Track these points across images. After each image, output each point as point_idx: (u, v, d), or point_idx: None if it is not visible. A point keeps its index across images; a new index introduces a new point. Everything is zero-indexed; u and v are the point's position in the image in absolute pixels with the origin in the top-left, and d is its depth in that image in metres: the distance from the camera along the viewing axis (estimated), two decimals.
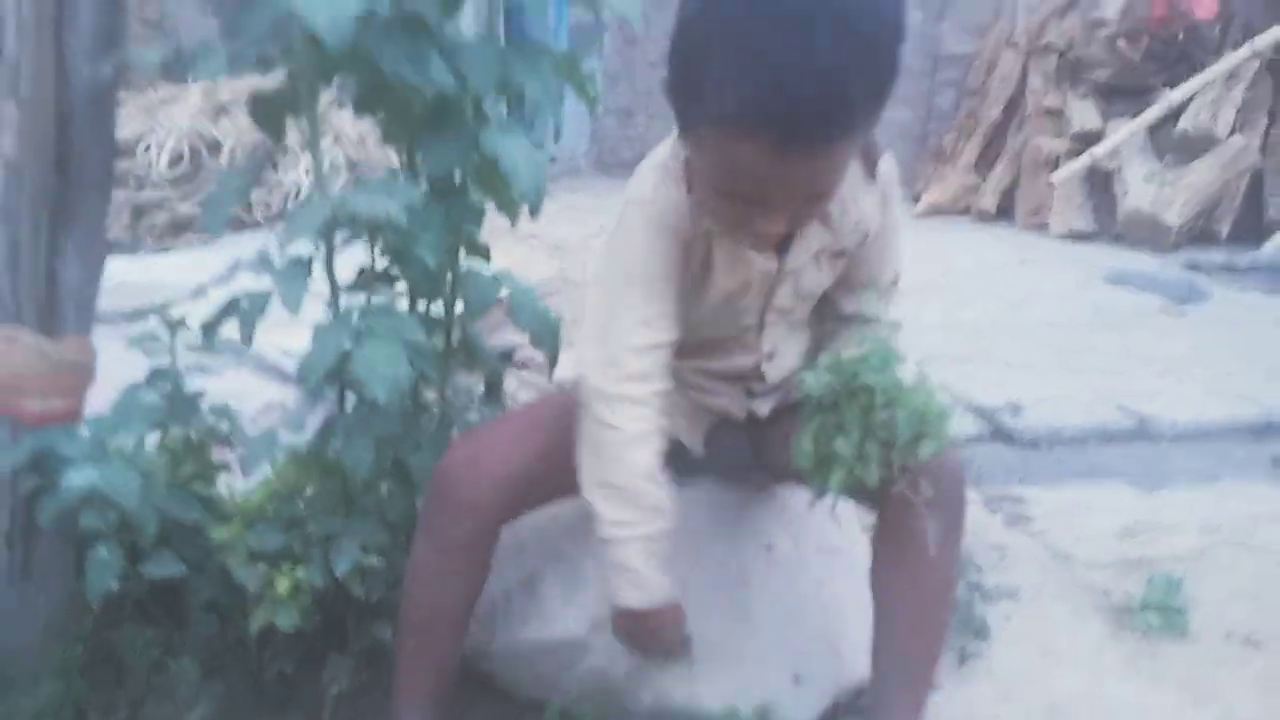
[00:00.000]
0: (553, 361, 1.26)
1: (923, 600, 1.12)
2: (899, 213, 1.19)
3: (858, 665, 1.29)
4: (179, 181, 3.37)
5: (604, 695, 1.21)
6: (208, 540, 1.16)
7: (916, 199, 5.95)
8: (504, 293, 1.22)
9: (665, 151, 1.09)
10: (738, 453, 1.30)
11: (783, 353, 1.22)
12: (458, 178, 1.18)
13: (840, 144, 0.90)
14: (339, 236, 1.12)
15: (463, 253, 1.25)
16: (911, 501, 1.00)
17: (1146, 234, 4.67)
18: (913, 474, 0.99)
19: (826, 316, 1.24)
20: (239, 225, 3.35)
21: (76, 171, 0.99)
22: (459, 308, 1.24)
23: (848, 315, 1.22)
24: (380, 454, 1.13)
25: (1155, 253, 4.59)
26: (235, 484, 1.30)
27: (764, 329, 1.17)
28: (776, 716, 1.22)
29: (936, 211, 5.66)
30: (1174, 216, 4.58)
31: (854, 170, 1.07)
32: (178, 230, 3.28)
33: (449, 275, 1.22)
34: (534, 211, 1.16)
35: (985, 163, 5.81)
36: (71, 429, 1.04)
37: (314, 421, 1.24)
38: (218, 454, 1.33)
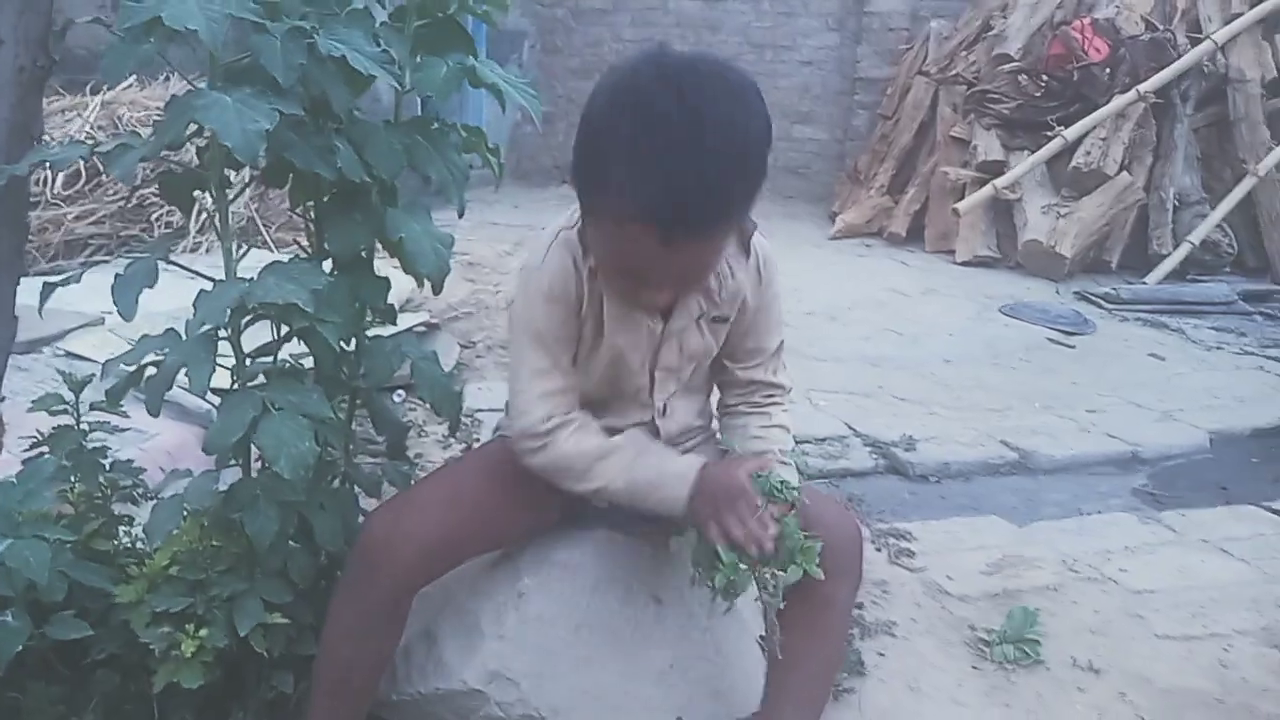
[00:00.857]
0: (454, 428, 1.33)
1: (823, 652, 1.27)
2: (778, 287, 1.34)
3: (737, 707, 1.40)
4: (75, 199, 3.29)
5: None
6: (111, 597, 1.20)
7: (832, 218, 6.16)
8: (406, 363, 1.29)
9: (562, 221, 1.23)
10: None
11: (675, 410, 1.34)
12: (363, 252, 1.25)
13: (718, 235, 1.08)
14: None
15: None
16: (813, 589, 1.15)
17: (1043, 263, 4.93)
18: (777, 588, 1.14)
19: (724, 385, 1.37)
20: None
21: None
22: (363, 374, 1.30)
23: (741, 380, 1.36)
24: (284, 518, 1.19)
25: (1051, 281, 4.86)
26: (136, 533, 1.34)
27: (654, 386, 1.30)
28: None
29: (851, 233, 5.86)
30: (1068, 248, 4.85)
31: (730, 245, 1.23)
32: (73, 251, 3.21)
33: (353, 343, 1.29)
34: (436, 289, 1.23)
35: (898, 186, 6.04)
36: None
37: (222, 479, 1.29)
38: (120, 507, 1.37)
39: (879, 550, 2.09)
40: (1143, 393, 3.30)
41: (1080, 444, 2.80)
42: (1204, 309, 4.44)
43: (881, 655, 1.70)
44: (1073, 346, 3.81)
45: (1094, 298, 4.53)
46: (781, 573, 1.10)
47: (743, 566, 1.09)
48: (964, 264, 5.15)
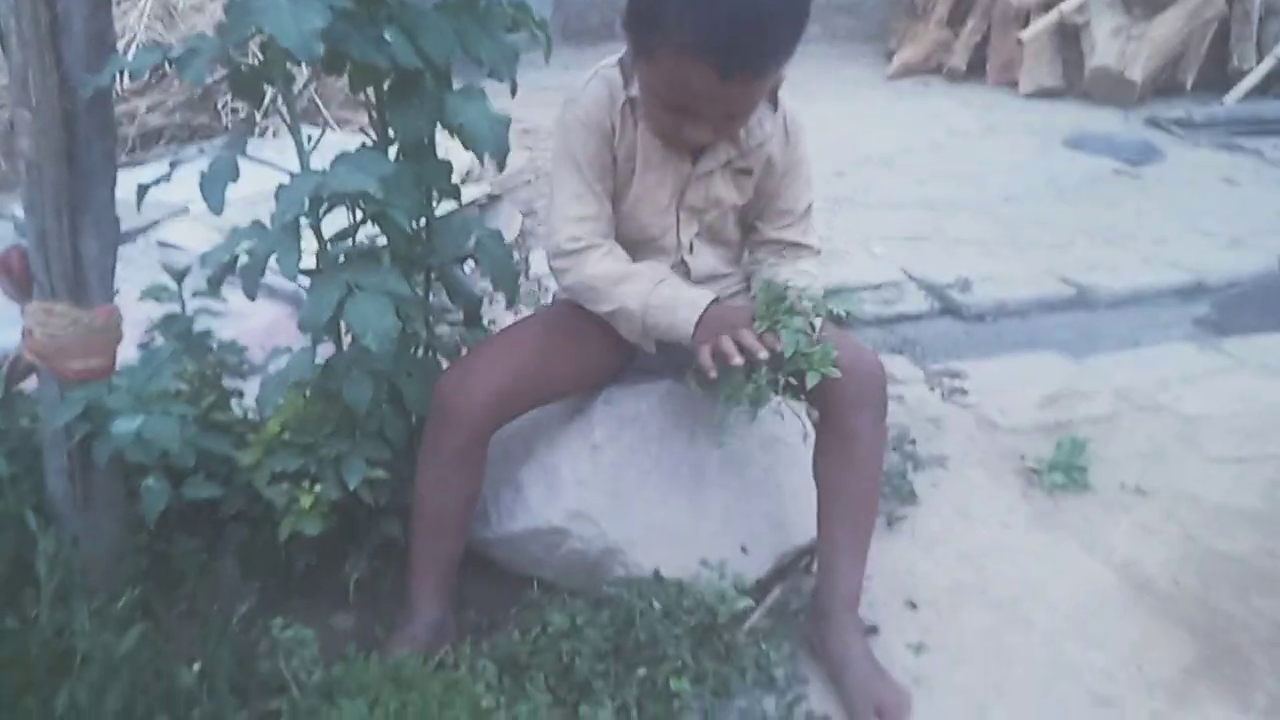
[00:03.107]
0: (510, 301, 1.43)
1: (859, 480, 1.35)
2: (806, 149, 1.38)
3: (796, 535, 1.53)
4: (143, 91, 3.38)
5: (583, 570, 1.45)
6: (234, 462, 1.36)
7: (889, 57, 5.92)
8: (473, 238, 1.37)
9: (605, 62, 1.33)
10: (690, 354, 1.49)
11: (702, 252, 1.43)
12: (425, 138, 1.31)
13: (769, 71, 1.16)
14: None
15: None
16: (842, 403, 1.25)
17: (1112, 90, 4.72)
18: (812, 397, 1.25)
19: (754, 246, 1.43)
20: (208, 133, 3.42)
21: (85, 163, 1.12)
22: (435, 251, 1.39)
23: (771, 240, 1.43)
24: (377, 386, 1.31)
25: (1120, 108, 4.66)
26: (247, 404, 1.50)
27: (680, 225, 1.38)
28: (728, 578, 1.46)
29: (909, 71, 5.64)
30: (1138, 71, 4.62)
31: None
32: (148, 142, 3.33)
33: (424, 223, 1.37)
34: (500, 168, 1.30)
35: (958, 18, 5.74)
36: (110, 382, 1.22)
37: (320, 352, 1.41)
38: (229, 382, 1.52)
39: (932, 390, 2.16)
40: (1211, 220, 3.23)
41: (1142, 276, 2.79)
42: None
43: (934, 486, 1.81)
44: (1140, 177, 3.71)
45: (1165, 123, 4.35)
46: (794, 379, 1.21)
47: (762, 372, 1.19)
48: (1028, 96, 4.95)
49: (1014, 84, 5.12)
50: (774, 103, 1.34)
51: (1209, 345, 2.41)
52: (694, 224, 1.38)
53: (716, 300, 1.28)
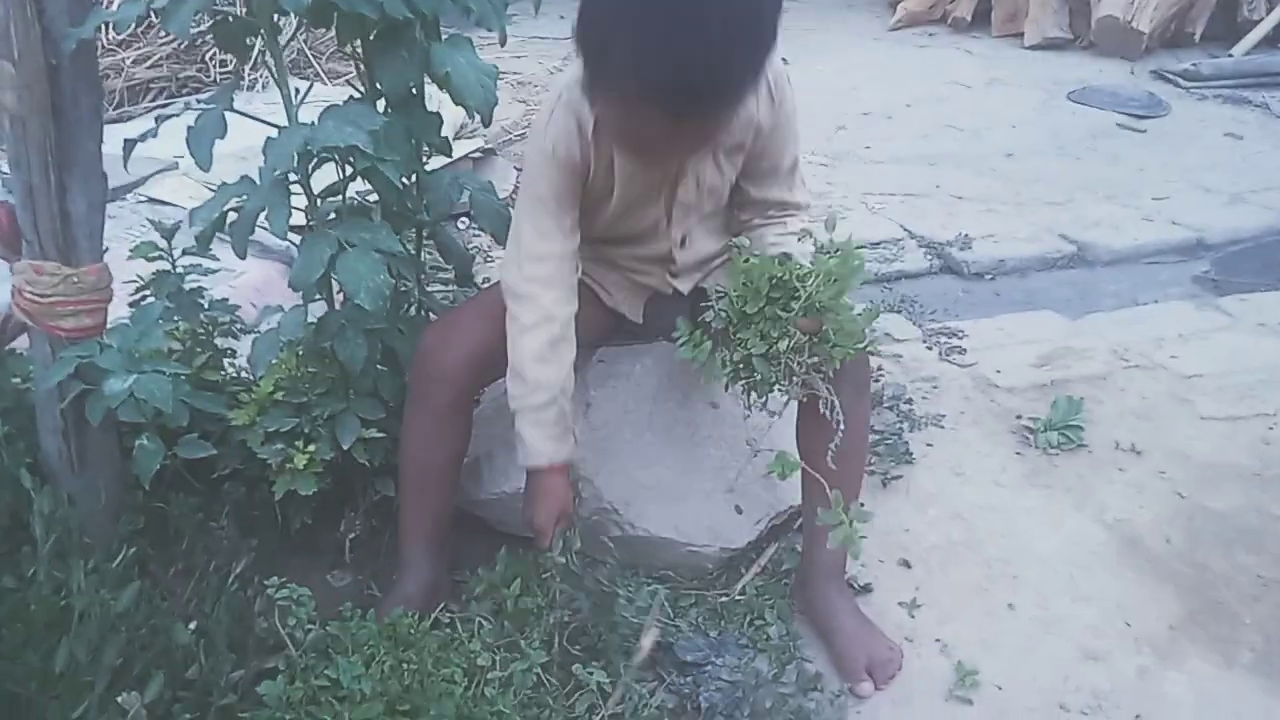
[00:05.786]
0: None
1: (839, 456, 1.33)
2: (792, 105, 1.33)
3: (790, 495, 1.53)
4: (130, 43, 3.31)
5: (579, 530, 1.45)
6: (228, 421, 1.36)
7: (893, 7, 5.81)
8: (465, 194, 1.36)
9: (566, 79, 1.20)
10: (679, 316, 1.48)
11: (694, 241, 1.39)
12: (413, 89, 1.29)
13: (729, 109, 1.07)
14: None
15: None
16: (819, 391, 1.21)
17: (1119, 41, 4.64)
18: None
19: (741, 206, 1.40)
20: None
21: (71, 118, 1.11)
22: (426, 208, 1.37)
23: (756, 200, 1.38)
24: (370, 344, 1.30)
25: (1126, 60, 4.59)
26: (239, 363, 1.49)
27: (672, 222, 1.34)
28: (722, 538, 1.47)
29: (913, 21, 5.53)
30: (1146, 21, 4.54)
31: None
32: (135, 96, 3.27)
33: (414, 179, 1.35)
34: (486, 121, 1.28)
35: None
36: (101, 341, 1.21)
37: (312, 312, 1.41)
38: (221, 341, 1.51)
39: (930, 349, 2.16)
40: (1214, 175, 3.20)
41: (1142, 233, 2.77)
42: None
43: (929, 446, 1.81)
44: (1143, 131, 3.66)
45: (1171, 76, 4.29)
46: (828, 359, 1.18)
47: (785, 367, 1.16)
48: (1032, 48, 4.87)
49: (1019, 35, 5.03)
50: None
51: (1207, 303, 2.40)
52: (688, 218, 1.34)
53: (546, 470, 1.26)
